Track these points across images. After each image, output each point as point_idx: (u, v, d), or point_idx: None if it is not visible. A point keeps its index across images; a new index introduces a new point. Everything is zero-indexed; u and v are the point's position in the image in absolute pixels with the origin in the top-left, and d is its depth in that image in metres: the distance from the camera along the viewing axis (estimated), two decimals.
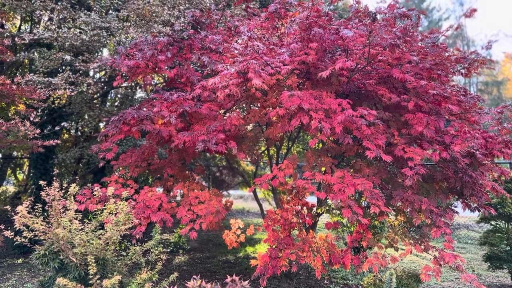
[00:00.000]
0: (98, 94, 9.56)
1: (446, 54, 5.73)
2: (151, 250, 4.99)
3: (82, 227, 4.13)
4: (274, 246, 5.74)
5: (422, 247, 5.24)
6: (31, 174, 11.47)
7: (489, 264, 8.01)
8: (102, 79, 9.76)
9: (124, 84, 10.50)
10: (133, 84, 9.10)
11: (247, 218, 15.95)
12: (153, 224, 5.62)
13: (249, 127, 7.24)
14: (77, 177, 11.06)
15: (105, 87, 9.00)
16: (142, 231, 5.37)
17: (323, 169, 5.32)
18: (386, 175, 5.31)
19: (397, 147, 4.85)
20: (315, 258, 5.65)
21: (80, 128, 11.16)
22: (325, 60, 5.35)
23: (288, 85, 5.07)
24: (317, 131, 4.48)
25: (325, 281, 7.76)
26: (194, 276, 3.66)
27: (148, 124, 5.34)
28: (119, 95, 11.97)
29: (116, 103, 11.74)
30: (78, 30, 7.21)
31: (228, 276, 3.56)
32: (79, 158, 10.98)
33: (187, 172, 6.87)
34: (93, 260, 3.69)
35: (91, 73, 10.98)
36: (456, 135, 4.64)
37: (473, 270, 9.50)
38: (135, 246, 4.69)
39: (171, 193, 6.22)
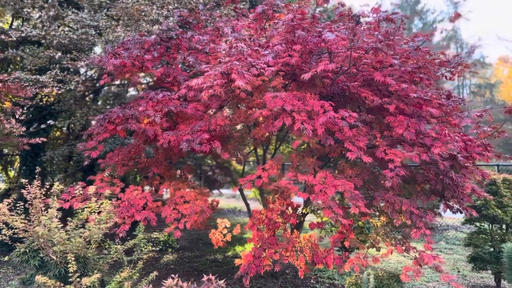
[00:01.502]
0: (89, 92, 9.57)
1: (430, 57, 5.80)
2: (135, 249, 5.01)
3: (62, 225, 4.15)
4: (258, 246, 5.79)
5: (403, 248, 5.31)
6: (22, 171, 11.45)
7: (473, 265, 8.11)
8: (95, 77, 9.77)
9: (117, 82, 10.50)
10: (125, 82, 9.10)
11: (238, 217, 15.99)
12: (146, 222, 5.65)
13: (239, 126, 7.29)
14: (63, 175, 11.05)
15: (97, 85, 9.01)
16: (126, 230, 5.39)
17: (307, 170, 5.38)
18: (369, 176, 5.37)
19: (379, 148, 4.92)
20: (298, 257, 5.71)
21: (72, 126, 11.16)
22: (311, 62, 5.40)
23: (273, 86, 5.12)
24: (300, 132, 4.53)
25: (312, 281, 7.81)
26: (172, 275, 3.70)
27: (133, 123, 5.36)
28: (111, 93, 11.96)
29: (109, 101, 11.74)
30: (67, 28, 7.21)
31: (205, 276, 3.60)
32: (69, 156, 10.96)
33: (174, 171, 6.90)
34: (73, 258, 3.72)
35: (82, 70, 10.98)
36: (437, 137, 4.70)
37: (459, 271, 9.59)
38: (117, 244, 4.71)
39: (158, 192, 6.25)
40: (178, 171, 6.98)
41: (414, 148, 4.76)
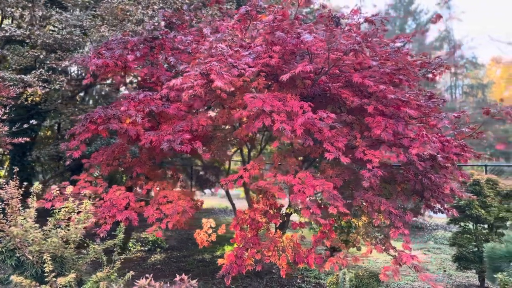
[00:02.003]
0: (79, 92, 9.55)
1: (412, 59, 5.86)
2: (115, 248, 5.02)
3: (40, 225, 4.16)
4: (241, 245, 5.82)
5: (383, 247, 5.36)
6: (13, 171, 11.41)
7: (457, 265, 8.19)
8: (85, 77, 9.75)
9: (108, 81, 10.46)
10: (114, 82, 9.10)
11: (229, 217, 15.98)
12: (127, 222, 5.65)
13: (227, 127, 7.31)
14: (52, 174, 11.04)
15: (85, 85, 8.99)
16: (107, 230, 5.40)
17: (289, 170, 5.42)
18: (349, 176, 5.41)
19: (358, 149, 4.96)
20: (280, 257, 5.74)
21: (60, 125, 11.13)
22: (294, 62, 5.43)
23: (255, 86, 5.15)
24: (280, 133, 4.56)
25: (298, 280, 7.85)
26: (147, 275, 3.72)
27: (115, 123, 5.37)
28: (103, 92, 11.95)
29: (100, 101, 11.72)
30: (53, 28, 7.20)
31: (178, 275, 3.62)
32: (58, 156, 10.94)
33: (158, 171, 6.91)
34: (49, 258, 3.73)
35: (71, 70, 10.96)
36: (415, 138, 4.75)
37: (445, 270, 9.67)
38: (97, 244, 4.72)
39: (142, 192, 6.26)
40: (169, 172, 6.99)
41: (392, 148, 4.81)
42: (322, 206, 6.14)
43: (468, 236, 8.38)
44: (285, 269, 5.71)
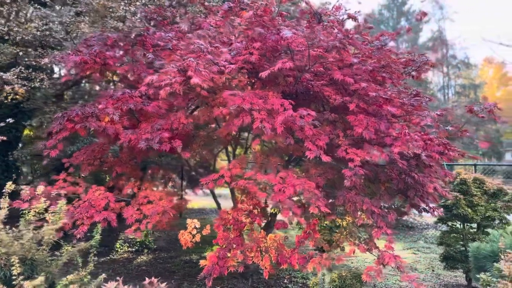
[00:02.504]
0: (63, 90, 9.38)
1: (396, 56, 5.78)
2: (91, 250, 4.89)
3: (8, 226, 4.03)
4: (223, 246, 5.72)
5: (367, 247, 5.28)
6: None
7: (445, 264, 8.14)
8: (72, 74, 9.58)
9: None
10: (93, 80, 8.95)
11: None
12: (106, 223, 5.53)
13: (214, 125, 7.20)
14: (40, 173, 10.87)
15: (70, 83, 8.84)
16: (84, 231, 5.27)
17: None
18: (333, 175, 5.32)
19: (341, 148, 4.88)
20: (263, 258, 5.64)
21: (44, 124, 10.95)
22: (277, 60, 5.33)
23: (236, 84, 5.05)
24: (260, 131, 4.47)
25: (285, 280, 7.76)
26: (118, 278, 3.61)
27: (92, 122, 5.24)
28: (92, 91, 11.77)
29: (88, 99, 11.54)
30: (34, 24, 7.05)
31: (147, 279, 3.51)
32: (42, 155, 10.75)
33: (139, 171, 6.77)
34: (17, 260, 3.60)
35: (58, 68, 10.79)
36: (397, 137, 4.67)
37: (433, 270, 9.63)
38: (71, 246, 4.60)
39: (122, 192, 6.14)
40: (160, 172, 6.86)
41: (374, 147, 4.73)
42: (306, 205, 6.07)
43: (455, 235, 8.33)
44: (268, 270, 5.61)
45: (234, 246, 5.66)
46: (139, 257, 10.22)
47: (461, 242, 7.99)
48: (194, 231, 6.25)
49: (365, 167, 5.31)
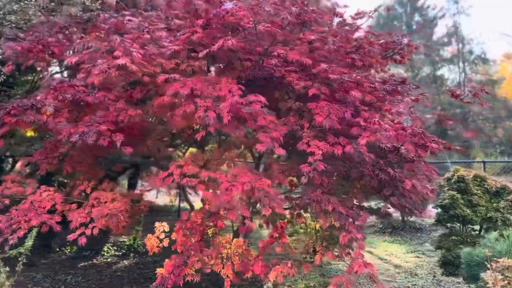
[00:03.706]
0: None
1: (376, 38, 5.12)
2: (20, 258, 4.37)
3: None
4: (181, 253, 5.15)
5: (336, 253, 4.61)
6: None
7: (443, 270, 7.44)
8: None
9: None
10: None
11: None
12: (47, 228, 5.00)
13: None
14: None
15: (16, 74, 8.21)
16: (19, 236, 4.74)
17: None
18: (298, 172, 4.68)
19: (302, 140, 4.25)
20: (225, 266, 5.04)
21: None
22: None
23: (186, 69, 4.45)
24: (203, 121, 3.87)
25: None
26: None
27: (31, 115, 4.72)
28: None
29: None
30: None
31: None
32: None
33: (99, 170, 6.24)
34: None
35: None
36: (366, 126, 4.02)
37: (434, 276, 8.83)
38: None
39: (73, 193, 5.61)
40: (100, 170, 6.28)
41: (339, 138, 4.09)
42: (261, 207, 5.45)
43: (455, 238, 7.60)
44: (231, 279, 5.01)
45: (192, 252, 5.08)
46: (122, 262, 9.73)
47: (461, 246, 7.26)
48: (162, 235, 5.70)
49: (337, 162, 4.68)
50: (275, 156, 6.28)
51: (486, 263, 3.79)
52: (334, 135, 4.23)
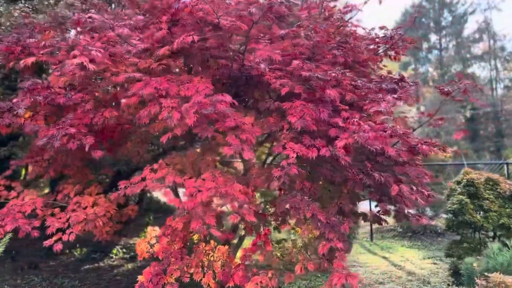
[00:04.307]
0: None
1: (364, 33, 4.78)
2: None
3: None
4: (161, 260, 4.95)
5: (319, 265, 4.29)
6: None
7: (453, 280, 6.96)
8: None
9: None
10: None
11: None
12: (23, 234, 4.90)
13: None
14: None
15: None
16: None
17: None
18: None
19: (280, 142, 3.97)
20: (206, 274, 4.80)
21: None
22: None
23: (155, 68, 4.23)
24: (168, 123, 3.66)
25: None
26: None
27: (7, 118, 4.64)
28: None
29: None
30: None
31: None
32: None
33: (90, 174, 6.12)
34: None
35: None
36: (345, 127, 3.71)
37: (448, 285, 8.34)
38: None
39: (57, 197, 5.51)
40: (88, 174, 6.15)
41: (315, 141, 3.78)
42: (260, 212, 5.17)
43: (466, 245, 7.12)
44: None
45: (173, 260, 4.87)
46: (126, 265, 9.70)
47: (473, 254, 6.78)
48: (153, 240, 5.54)
49: (326, 165, 4.38)
50: (270, 159, 6.05)
51: (476, 279, 3.41)
52: (312, 137, 3.93)
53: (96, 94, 4.95)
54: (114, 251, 11.11)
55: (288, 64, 4.19)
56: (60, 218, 4.98)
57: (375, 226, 12.61)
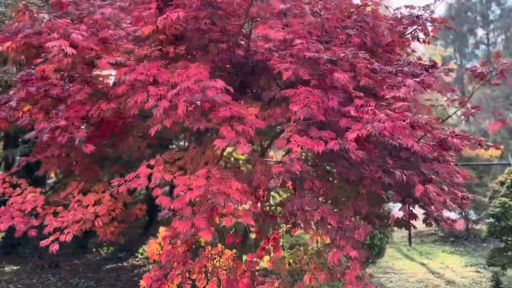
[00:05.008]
0: None
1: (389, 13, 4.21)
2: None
3: None
4: (164, 264, 4.59)
5: (331, 274, 3.76)
6: None
7: None
8: None
9: None
10: None
11: None
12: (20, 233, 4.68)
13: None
14: None
15: None
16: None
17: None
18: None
19: (285, 135, 3.50)
20: (209, 281, 4.39)
21: None
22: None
23: (150, 54, 3.87)
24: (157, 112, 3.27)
25: None
26: None
27: (5, 111, 4.44)
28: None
29: None
30: None
31: None
32: None
33: (97, 170, 5.84)
34: None
35: None
36: (357, 117, 3.19)
37: None
38: None
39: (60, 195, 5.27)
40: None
41: (323, 132, 3.28)
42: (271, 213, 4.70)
43: (510, 254, 6.34)
44: None
45: (175, 264, 4.49)
46: (148, 266, 9.57)
47: None
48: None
49: (341, 161, 3.87)
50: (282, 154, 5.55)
51: None
52: (321, 128, 3.42)
53: (100, 86, 4.68)
54: (140, 250, 11.01)
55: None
56: (62, 217, 4.72)
57: (414, 230, 11.95)
